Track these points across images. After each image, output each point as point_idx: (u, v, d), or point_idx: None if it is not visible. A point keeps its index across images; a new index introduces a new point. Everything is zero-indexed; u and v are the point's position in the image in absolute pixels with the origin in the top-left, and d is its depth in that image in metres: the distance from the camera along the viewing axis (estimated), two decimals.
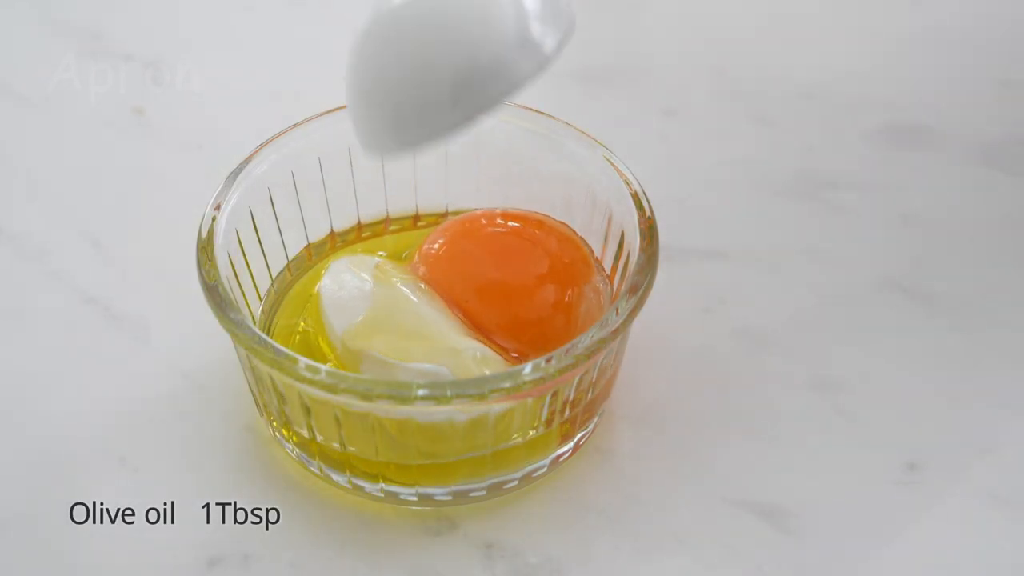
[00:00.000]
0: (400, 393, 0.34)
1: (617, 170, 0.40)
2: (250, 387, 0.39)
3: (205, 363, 0.42)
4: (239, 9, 0.58)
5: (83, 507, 0.38)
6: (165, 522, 0.38)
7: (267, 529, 0.38)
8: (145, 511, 0.38)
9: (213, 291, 0.37)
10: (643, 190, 0.40)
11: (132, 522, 0.38)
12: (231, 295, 0.37)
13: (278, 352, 0.35)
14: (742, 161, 0.50)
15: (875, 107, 0.52)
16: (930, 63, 0.55)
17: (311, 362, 0.35)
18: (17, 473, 0.39)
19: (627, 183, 0.40)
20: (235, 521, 0.38)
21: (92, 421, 0.41)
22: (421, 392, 0.34)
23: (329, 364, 0.38)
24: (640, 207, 0.39)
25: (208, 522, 0.38)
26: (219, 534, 0.38)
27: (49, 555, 0.37)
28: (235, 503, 0.38)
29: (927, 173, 0.50)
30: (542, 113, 0.42)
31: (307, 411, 0.37)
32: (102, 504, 0.38)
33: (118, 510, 0.38)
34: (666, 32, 0.57)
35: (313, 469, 0.38)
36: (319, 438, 0.37)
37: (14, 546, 0.38)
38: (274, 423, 0.39)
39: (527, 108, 0.42)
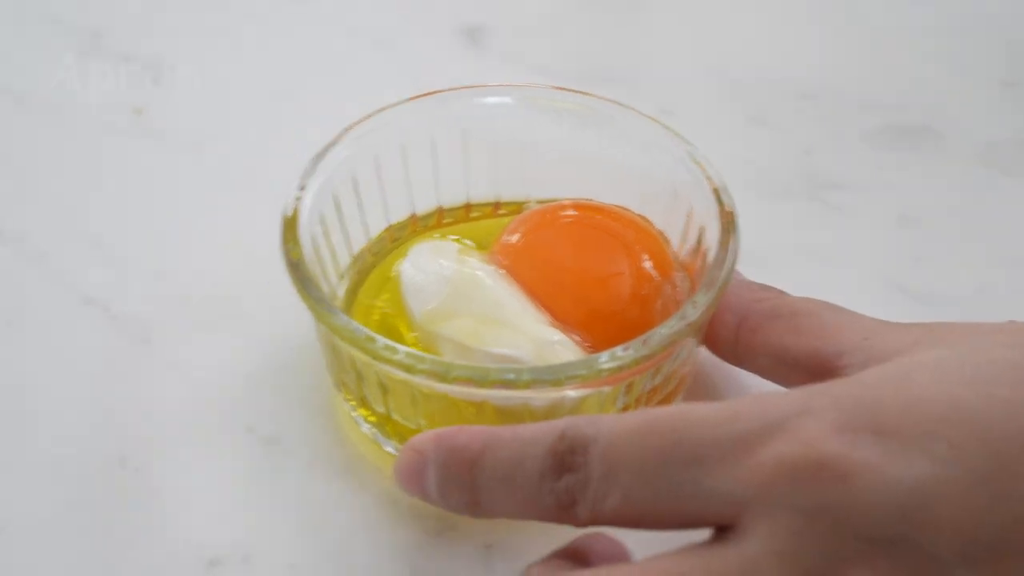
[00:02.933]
0: (477, 376, 0.35)
1: (699, 164, 0.40)
2: (328, 366, 0.39)
3: (205, 363, 0.42)
4: (239, 9, 0.58)
5: (83, 507, 0.38)
6: (165, 522, 0.38)
7: (267, 529, 0.38)
8: (145, 511, 0.38)
9: (296, 268, 0.37)
10: (724, 185, 0.40)
11: (133, 522, 0.38)
12: (313, 273, 0.38)
13: (358, 331, 0.36)
14: (741, 161, 0.50)
15: (875, 107, 0.52)
16: (930, 63, 0.55)
17: (390, 342, 0.35)
18: (17, 473, 0.39)
19: (708, 178, 0.40)
20: (235, 521, 0.38)
21: (92, 421, 0.41)
22: (498, 376, 0.34)
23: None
24: (720, 202, 0.39)
25: (208, 522, 0.38)
26: (219, 534, 0.38)
27: (49, 555, 0.37)
28: (235, 503, 0.38)
29: (927, 173, 0.50)
30: (624, 106, 0.42)
31: (384, 390, 0.37)
32: (103, 504, 0.38)
33: (118, 510, 0.38)
34: (665, 32, 0.57)
35: (388, 449, 0.39)
36: (395, 417, 0.37)
37: (14, 546, 0.38)
38: (352, 402, 0.39)
39: (610, 100, 0.42)
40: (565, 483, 0.32)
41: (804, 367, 0.37)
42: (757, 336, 0.38)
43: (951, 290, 0.45)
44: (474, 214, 0.44)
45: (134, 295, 0.45)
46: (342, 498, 0.39)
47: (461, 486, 0.33)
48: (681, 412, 0.31)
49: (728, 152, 0.51)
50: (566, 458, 0.32)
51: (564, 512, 0.32)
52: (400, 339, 0.39)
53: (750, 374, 0.39)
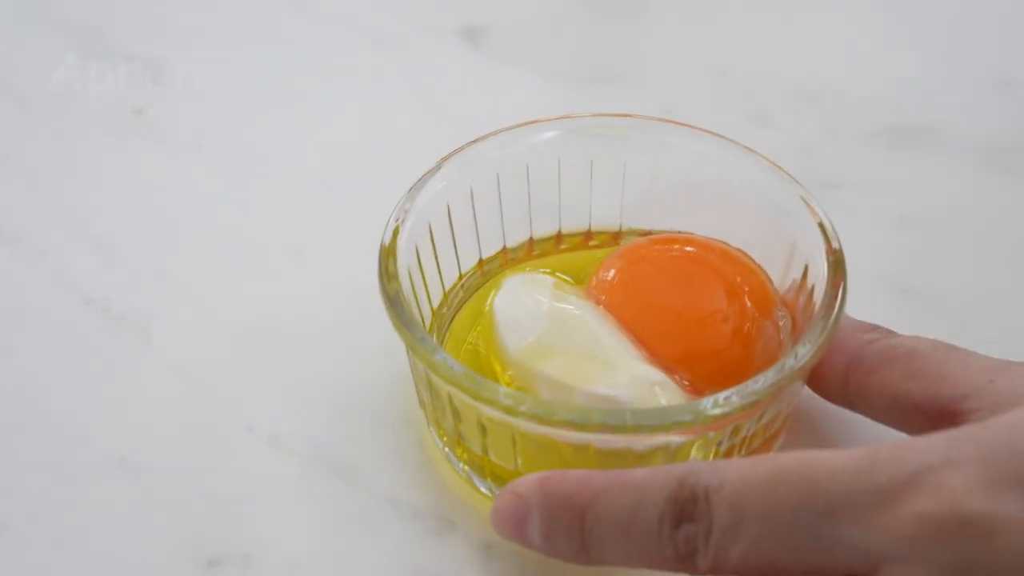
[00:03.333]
0: (580, 419, 0.33)
1: (802, 199, 0.39)
2: (421, 402, 0.39)
3: (205, 363, 0.42)
4: (239, 9, 0.58)
5: (84, 507, 0.38)
6: (166, 522, 0.38)
7: (267, 529, 0.38)
8: (145, 511, 0.38)
9: (394, 303, 0.36)
10: (830, 221, 0.39)
11: (133, 522, 0.38)
12: (410, 308, 0.37)
13: (458, 370, 0.35)
14: None
15: (875, 107, 0.52)
16: (930, 63, 0.55)
17: (490, 382, 0.34)
18: (17, 474, 0.39)
19: (812, 211, 0.39)
20: (235, 521, 0.38)
21: (92, 421, 0.41)
22: (601, 420, 0.33)
23: (501, 383, 0.37)
24: (826, 237, 0.38)
25: (208, 522, 0.38)
26: (219, 534, 0.38)
27: (49, 555, 0.37)
28: (235, 503, 0.38)
29: (927, 173, 0.50)
30: (721, 136, 0.41)
31: (483, 431, 0.36)
32: (103, 504, 0.38)
33: (119, 510, 0.38)
34: (665, 32, 0.58)
35: (484, 490, 0.38)
36: (492, 458, 0.37)
37: (14, 546, 0.38)
38: (445, 439, 0.38)
39: (705, 131, 0.41)
40: (685, 532, 0.30)
41: (923, 411, 0.35)
42: (872, 379, 0.36)
43: (951, 290, 0.45)
44: (564, 245, 0.43)
45: (134, 295, 0.45)
46: (342, 498, 0.39)
47: (570, 533, 0.32)
48: (812, 460, 0.30)
49: None
50: (687, 506, 0.30)
51: (682, 562, 0.31)
52: (493, 376, 0.38)
53: (849, 410, 0.38)
